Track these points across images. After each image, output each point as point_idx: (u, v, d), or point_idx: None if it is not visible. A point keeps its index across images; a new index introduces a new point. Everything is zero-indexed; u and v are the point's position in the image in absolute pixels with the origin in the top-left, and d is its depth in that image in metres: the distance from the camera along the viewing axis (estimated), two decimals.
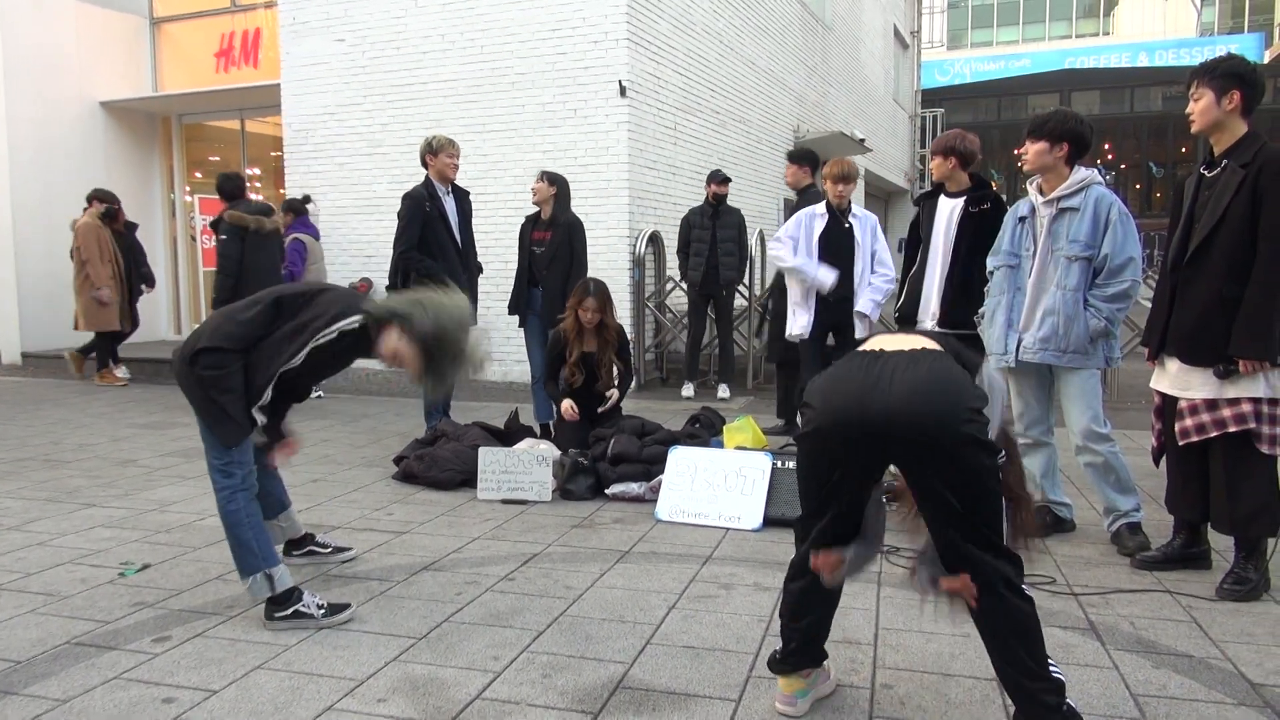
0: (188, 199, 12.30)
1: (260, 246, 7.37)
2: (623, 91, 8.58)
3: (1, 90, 10.82)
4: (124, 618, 3.05)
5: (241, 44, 11.77)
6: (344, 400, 8.19)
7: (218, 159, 13.04)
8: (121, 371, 9.24)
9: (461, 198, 6.04)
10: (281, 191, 10.57)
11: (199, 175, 12.81)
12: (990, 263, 4.09)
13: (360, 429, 6.77)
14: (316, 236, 8.75)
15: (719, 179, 7.98)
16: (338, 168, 9.81)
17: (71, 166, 11.20)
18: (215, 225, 7.59)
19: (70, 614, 3.08)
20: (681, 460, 4.46)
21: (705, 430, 5.37)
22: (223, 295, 7.30)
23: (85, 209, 9.04)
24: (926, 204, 4.93)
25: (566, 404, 5.11)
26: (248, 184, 8.07)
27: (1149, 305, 3.62)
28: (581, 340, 5.14)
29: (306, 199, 9.15)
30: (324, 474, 5.25)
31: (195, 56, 12.10)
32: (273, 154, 11.80)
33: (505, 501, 4.61)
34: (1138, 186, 30.16)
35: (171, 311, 12.44)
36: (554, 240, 5.99)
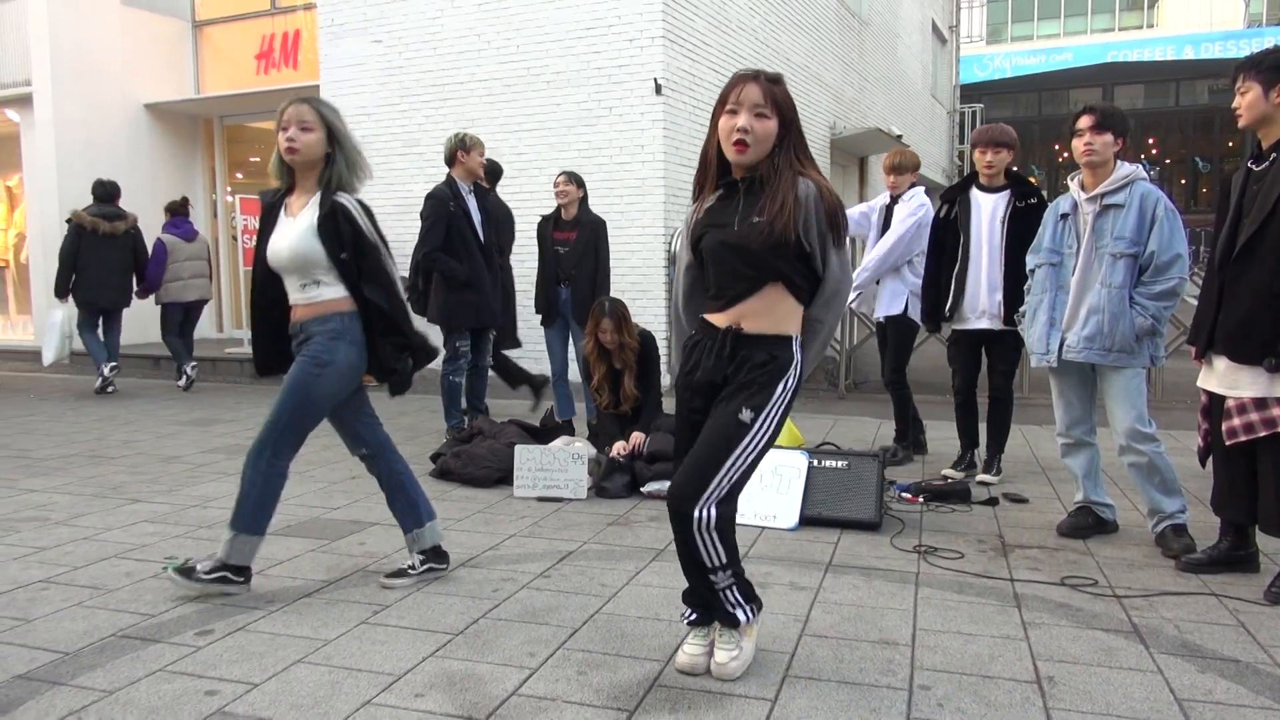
0: (229, 199, 12.50)
1: (98, 246, 8.36)
2: (658, 89, 8.57)
3: (49, 93, 11.07)
4: (168, 611, 3.10)
5: (281, 46, 11.94)
6: (382, 399, 8.26)
7: (258, 159, 13.23)
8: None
9: (483, 196, 6.04)
10: None
11: (240, 176, 13.01)
12: (1030, 261, 4.03)
13: (398, 427, 6.83)
14: (190, 237, 9.07)
15: None
16: (374, 167, 9.85)
17: (117, 167, 11.41)
18: (67, 223, 8.50)
19: (116, 607, 3.13)
20: None
21: None
22: (60, 285, 8.37)
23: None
24: (960, 199, 4.86)
25: (617, 446, 4.94)
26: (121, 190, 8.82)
27: (1195, 303, 3.55)
28: (606, 360, 5.09)
29: (185, 201, 9.49)
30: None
31: (236, 59, 12.30)
32: None
33: (541, 499, 4.63)
34: (1183, 181, 29.60)
35: (213, 309, 12.64)
36: (580, 240, 6.01)
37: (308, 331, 3.18)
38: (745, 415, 2.44)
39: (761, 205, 2.41)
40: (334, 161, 3.18)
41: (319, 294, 3.17)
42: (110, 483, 5.00)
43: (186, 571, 3.21)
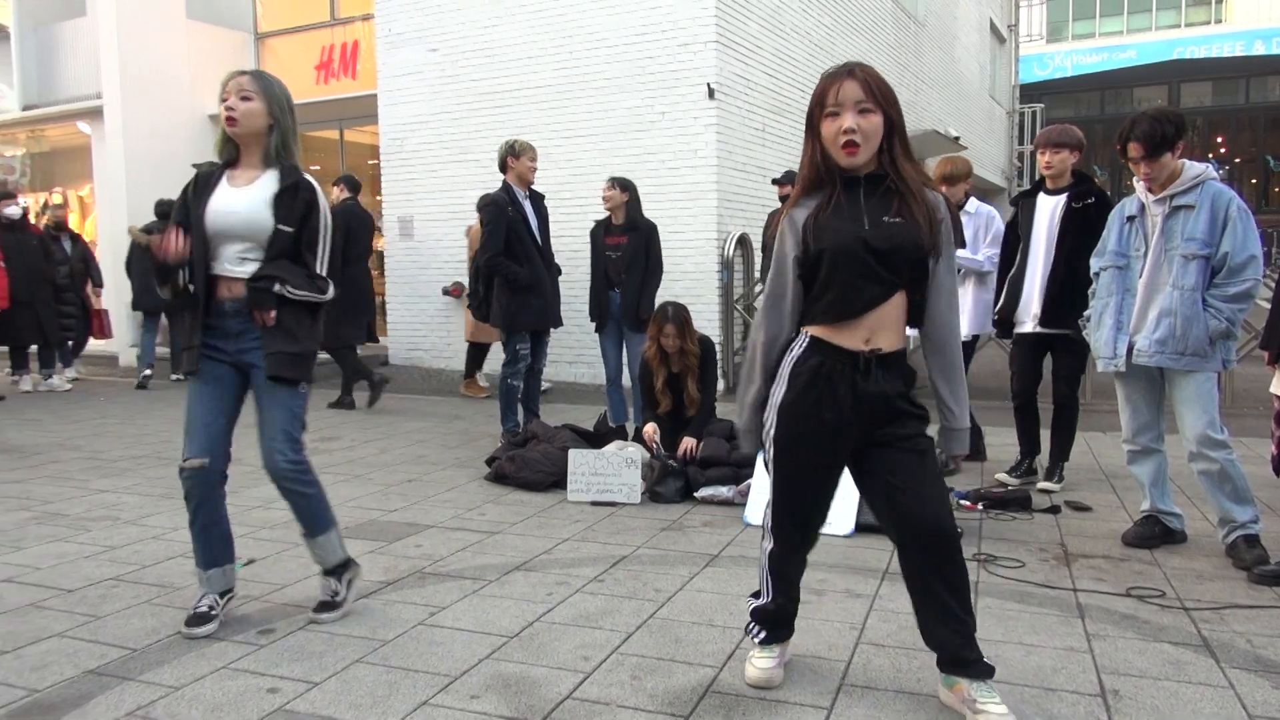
0: None
1: (143, 257, 8.78)
2: (711, 94, 8.56)
3: (119, 106, 11.42)
4: (231, 610, 3.17)
5: (340, 56, 12.16)
6: (438, 402, 8.38)
7: (318, 168, 13.48)
8: (484, 381, 8.87)
9: (538, 201, 6.11)
10: (378, 198, 10.87)
11: None
12: (1094, 264, 3.94)
13: (453, 430, 6.91)
14: None
15: (778, 180, 8.00)
16: (430, 174, 10.05)
17: (184, 177, 11.45)
18: None
19: (182, 605, 3.21)
20: None
21: None
22: (134, 296, 9.58)
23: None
24: (1025, 203, 4.80)
25: (650, 428, 5.00)
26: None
27: (1268, 306, 3.44)
28: (667, 364, 5.10)
29: None
30: (419, 474, 5.37)
31: (297, 69, 12.54)
32: (369, 162, 12.15)
33: (594, 503, 4.64)
34: (1253, 181, 28.66)
35: None
36: (631, 244, 6.03)
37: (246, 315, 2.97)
38: (931, 431, 2.37)
39: (896, 206, 2.29)
40: (274, 132, 3.02)
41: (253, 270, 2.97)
42: (177, 484, 5.10)
43: (333, 608, 3.09)
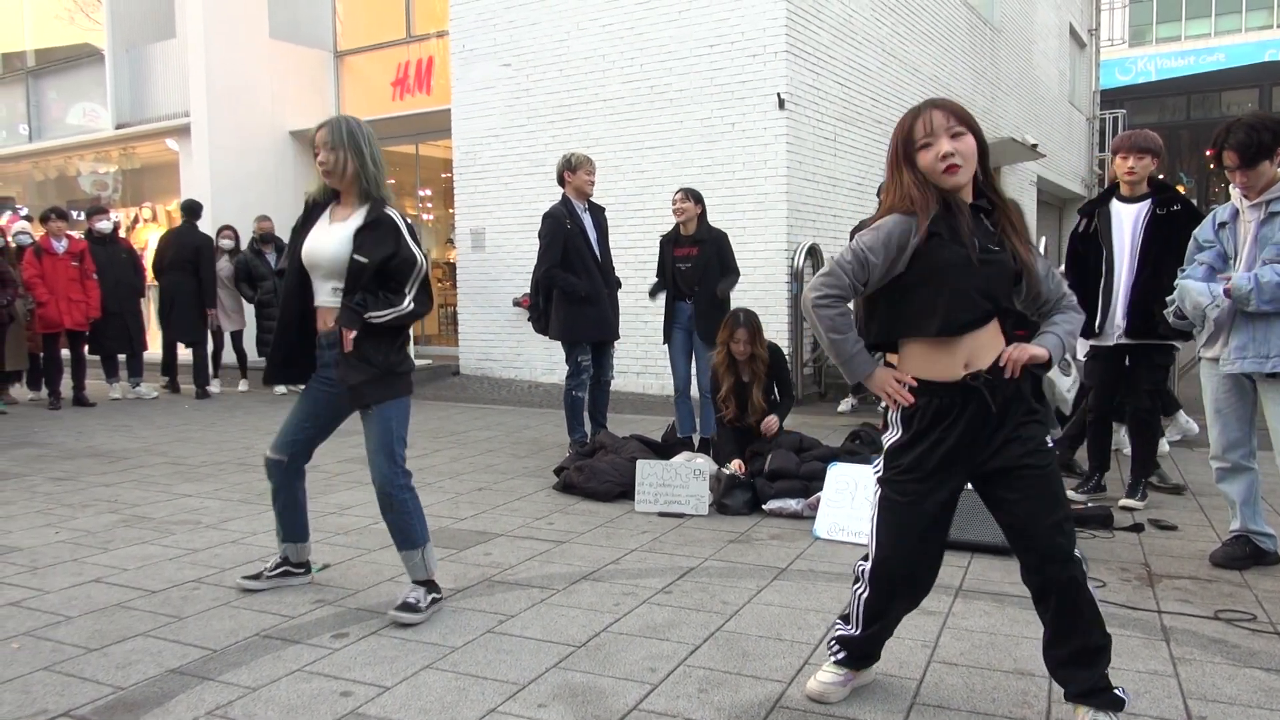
0: None
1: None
2: (781, 104, 8.52)
3: (205, 122, 11.85)
4: (307, 614, 3.24)
5: (416, 72, 12.41)
6: (507, 412, 8.47)
7: (393, 182, 13.73)
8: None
9: (597, 213, 6.14)
10: (451, 210, 11.06)
11: None
12: (1181, 272, 3.81)
13: (523, 440, 6.97)
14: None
15: None
16: (503, 187, 10.19)
17: (265, 191, 12.13)
18: None
19: (259, 608, 3.30)
20: (841, 477, 4.36)
21: (865, 447, 5.24)
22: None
23: None
24: (1100, 211, 4.65)
25: (735, 464, 4.91)
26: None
27: None
28: (735, 371, 5.07)
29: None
30: (488, 483, 5.43)
31: (374, 86, 12.86)
32: (443, 176, 12.38)
33: (662, 514, 4.63)
34: None
35: None
36: (703, 255, 6.01)
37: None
38: (1049, 437, 2.28)
39: (1000, 234, 2.31)
40: (362, 170, 3.16)
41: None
42: (256, 489, 5.26)
43: (414, 609, 3.17)
